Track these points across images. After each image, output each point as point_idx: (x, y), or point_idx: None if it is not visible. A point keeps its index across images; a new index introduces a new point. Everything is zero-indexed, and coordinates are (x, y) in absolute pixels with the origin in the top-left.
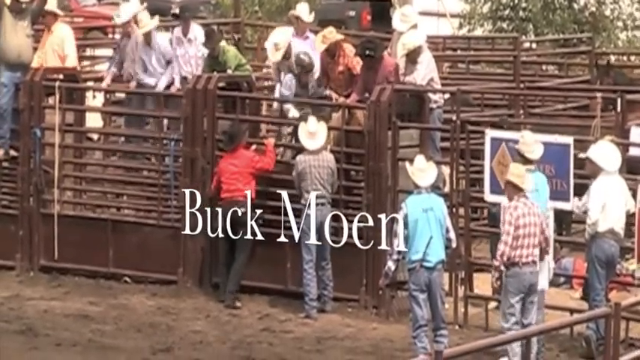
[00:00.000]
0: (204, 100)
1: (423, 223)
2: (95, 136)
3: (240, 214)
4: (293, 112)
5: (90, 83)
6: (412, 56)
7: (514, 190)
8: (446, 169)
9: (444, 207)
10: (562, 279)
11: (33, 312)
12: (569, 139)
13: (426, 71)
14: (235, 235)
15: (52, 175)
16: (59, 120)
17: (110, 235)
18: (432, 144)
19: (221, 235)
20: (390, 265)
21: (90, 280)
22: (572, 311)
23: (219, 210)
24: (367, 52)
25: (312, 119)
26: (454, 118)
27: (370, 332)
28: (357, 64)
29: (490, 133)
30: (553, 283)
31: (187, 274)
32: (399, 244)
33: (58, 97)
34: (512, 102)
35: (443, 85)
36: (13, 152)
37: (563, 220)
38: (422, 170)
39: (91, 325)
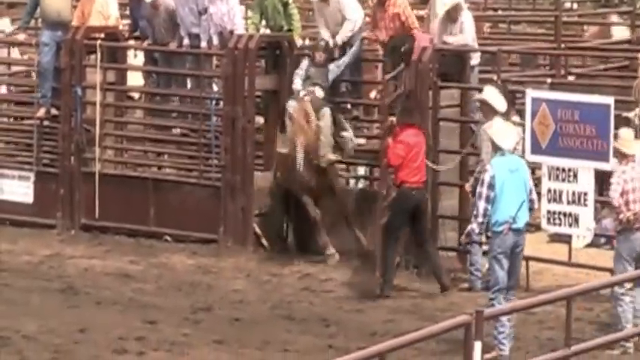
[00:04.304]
0: (245, 59)
1: (511, 185)
2: (136, 95)
3: (425, 201)
4: (296, 84)
5: (131, 42)
6: (452, 15)
7: (621, 155)
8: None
9: (527, 168)
10: (603, 239)
11: (74, 270)
12: (609, 100)
13: (472, 32)
14: (419, 222)
15: (93, 134)
16: (100, 79)
17: (151, 193)
18: (472, 104)
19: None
20: (475, 227)
21: (130, 238)
22: (612, 271)
23: (407, 193)
24: (403, 49)
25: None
26: (495, 77)
27: (411, 292)
28: (409, 15)
29: (531, 93)
30: (594, 244)
31: (228, 234)
32: (485, 206)
33: (99, 55)
34: (553, 62)
35: (484, 45)
36: (54, 111)
37: (603, 180)
38: (504, 132)
39: (132, 284)
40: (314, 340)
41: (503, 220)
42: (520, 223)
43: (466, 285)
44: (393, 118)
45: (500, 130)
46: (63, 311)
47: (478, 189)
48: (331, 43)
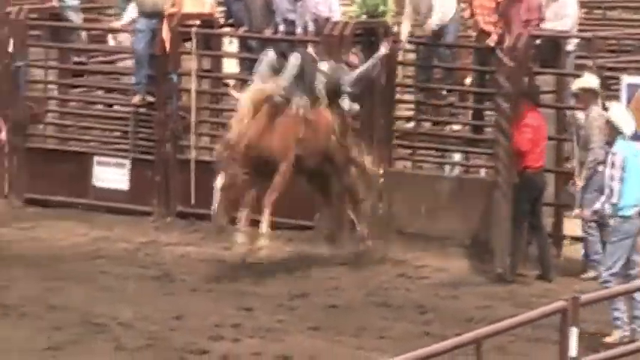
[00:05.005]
0: (340, 45)
1: (636, 169)
2: (231, 82)
3: (545, 185)
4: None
5: (226, 29)
6: None
7: None
8: (580, 115)
9: None
10: None
11: (169, 257)
12: None
13: (575, 17)
14: (537, 207)
15: (188, 121)
16: (195, 66)
17: None
18: (568, 90)
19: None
20: (605, 207)
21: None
22: None
23: (532, 178)
24: None
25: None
26: (590, 63)
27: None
28: None
29: (626, 80)
30: None
31: (324, 220)
32: (620, 187)
33: (194, 42)
34: None
35: (579, 31)
36: (149, 98)
37: None
38: (625, 117)
39: (227, 271)
40: (410, 326)
41: (631, 204)
42: None
43: (591, 274)
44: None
45: (621, 115)
46: (158, 298)
47: (609, 171)
48: (405, 36)
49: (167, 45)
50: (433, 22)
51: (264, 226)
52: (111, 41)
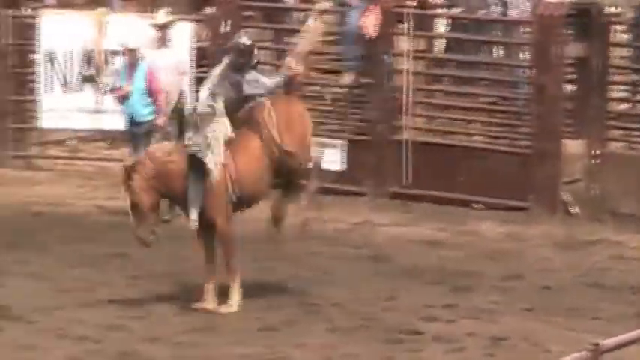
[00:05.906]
0: (554, 26)
1: None
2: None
3: None
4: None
5: (440, 10)
6: None
7: None
8: None
9: None
10: None
11: (382, 238)
12: None
13: None
14: None
15: (401, 102)
16: (409, 46)
17: (460, 161)
18: None
19: None
20: None
21: (439, 206)
22: None
23: None
24: None
25: None
26: None
27: None
28: None
29: None
30: None
31: (537, 201)
32: None
33: (408, 23)
34: None
35: None
36: (362, 79)
37: None
38: None
39: (440, 252)
40: (623, 308)
41: None
42: None
43: None
44: None
45: None
46: (372, 279)
47: None
48: None
49: (372, 30)
50: None
51: (234, 297)
52: None
